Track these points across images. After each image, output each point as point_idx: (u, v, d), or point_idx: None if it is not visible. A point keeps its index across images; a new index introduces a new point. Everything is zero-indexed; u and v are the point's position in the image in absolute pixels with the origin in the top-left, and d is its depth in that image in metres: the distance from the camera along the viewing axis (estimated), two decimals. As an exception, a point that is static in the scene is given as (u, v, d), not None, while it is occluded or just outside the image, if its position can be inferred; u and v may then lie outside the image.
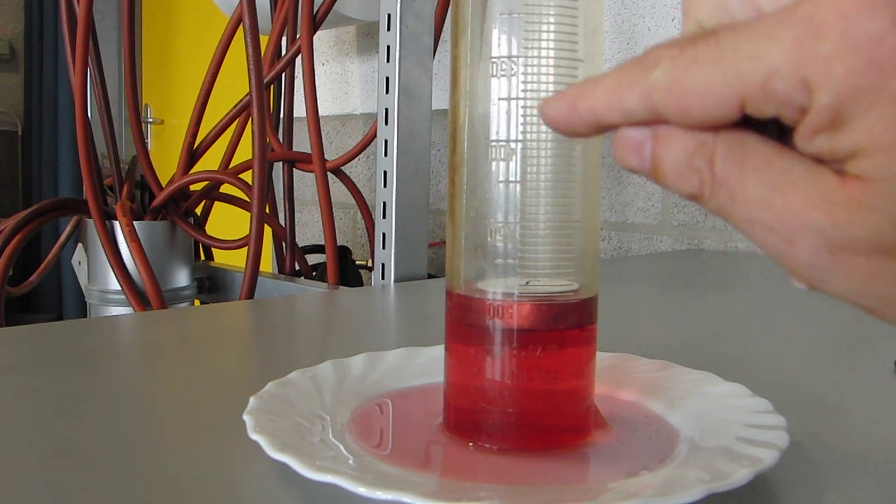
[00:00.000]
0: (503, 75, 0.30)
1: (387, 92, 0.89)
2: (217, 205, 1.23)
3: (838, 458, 0.33)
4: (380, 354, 0.40)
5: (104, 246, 1.02)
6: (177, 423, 0.38)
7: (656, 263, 1.03)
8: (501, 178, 0.30)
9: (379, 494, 0.24)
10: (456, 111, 0.32)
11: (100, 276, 1.09)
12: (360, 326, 0.66)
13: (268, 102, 1.12)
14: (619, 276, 0.88)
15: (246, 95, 1.05)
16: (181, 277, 1.11)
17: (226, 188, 1.16)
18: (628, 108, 0.20)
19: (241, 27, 0.99)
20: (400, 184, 0.89)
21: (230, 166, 1.17)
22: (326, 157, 1.06)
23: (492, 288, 0.31)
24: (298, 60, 1.09)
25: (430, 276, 0.94)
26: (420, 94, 0.90)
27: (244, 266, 0.99)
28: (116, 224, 1.03)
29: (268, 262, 1.27)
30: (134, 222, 1.02)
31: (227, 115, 1.14)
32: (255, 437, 0.29)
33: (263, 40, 1.06)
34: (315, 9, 1.06)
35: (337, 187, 1.15)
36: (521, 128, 0.30)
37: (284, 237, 1.15)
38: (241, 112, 1.14)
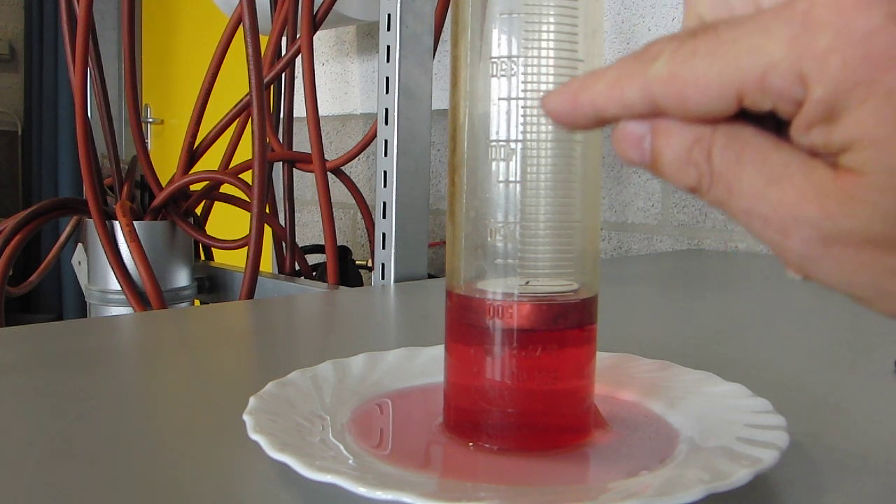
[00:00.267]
0: (503, 75, 0.30)
1: (387, 92, 0.89)
2: (217, 205, 1.23)
3: (838, 458, 0.33)
4: (380, 354, 0.40)
5: (104, 246, 1.02)
6: (177, 423, 0.38)
7: (656, 263, 1.03)
8: (501, 178, 0.30)
9: (379, 494, 0.24)
10: (456, 111, 0.32)
11: (100, 276, 1.09)
12: (360, 326, 0.66)
13: (268, 102, 1.12)
14: (619, 276, 0.88)
15: (246, 95, 1.05)
16: (181, 277, 1.11)
17: (226, 188, 1.16)
18: (628, 101, 0.21)
19: (241, 27, 0.99)
20: (400, 184, 0.89)
21: (230, 166, 1.17)
22: (326, 157, 1.06)
23: (492, 288, 0.31)
24: (298, 60, 1.09)
25: (430, 276, 0.94)
26: (420, 94, 0.90)
27: (244, 266, 0.99)
28: (116, 224, 1.03)
29: (268, 262, 1.27)
30: (134, 222, 1.02)
31: (227, 115, 1.14)
32: (255, 437, 0.29)
33: (263, 40, 1.06)
34: (315, 9, 1.06)
35: (337, 187, 1.15)
36: (521, 128, 0.30)
37: (284, 237, 1.15)
38: (241, 112, 1.14)
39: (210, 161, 1.19)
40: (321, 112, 1.16)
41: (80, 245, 1.11)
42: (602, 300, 0.33)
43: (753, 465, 0.27)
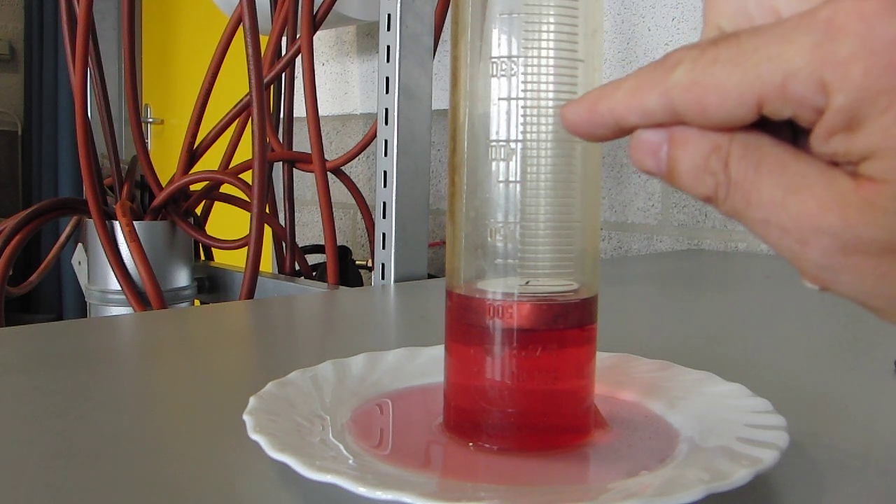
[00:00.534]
0: (503, 75, 0.30)
1: (387, 92, 0.89)
2: (217, 205, 1.23)
3: (838, 458, 0.33)
4: (380, 354, 0.40)
5: (104, 246, 1.02)
6: (177, 423, 0.38)
7: (656, 263, 1.03)
8: (501, 178, 0.30)
9: (379, 494, 0.24)
10: (456, 111, 0.32)
11: (100, 276, 1.09)
12: (360, 326, 0.66)
13: (268, 102, 1.12)
14: (619, 276, 0.88)
15: (246, 95, 1.05)
16: (181, 277, 1.11)
17: (226, 188, 1.16)
18: (648, 109, 0.20)
19: (241, 27, 0.99)
20: (400, 184, 0.89)
21: (230, 166, 1.17)
22: (326, 157, 1.06)
23: (492, 288, 0.31)
24: (298, 60, 1.09)
25: (430, 276, 0.94)
26: (420, 94, 0.90)
27: (244, 266, 0.99)
28: (116, 224, 1.03)
29: (268, 262, 1.27)
30: (134, 222, 1.02)
31: (227, 115, 1.14)
32: (255, 437, 0.29)
33: (263, 40, 1.06)
34: (315, 9, 1.06)
35: (337, 187, 1.15)
36: (521, 128, 0.30)
37: (284, 237, 1.15)
38: (241, 112, 1.14)
39: (210, 161, 1.19)
40: (321, 112, 1.16)
41: (80, 245, 1.11)
42: (602, 300, 0.33)
43: (753, 465, 0.27)
